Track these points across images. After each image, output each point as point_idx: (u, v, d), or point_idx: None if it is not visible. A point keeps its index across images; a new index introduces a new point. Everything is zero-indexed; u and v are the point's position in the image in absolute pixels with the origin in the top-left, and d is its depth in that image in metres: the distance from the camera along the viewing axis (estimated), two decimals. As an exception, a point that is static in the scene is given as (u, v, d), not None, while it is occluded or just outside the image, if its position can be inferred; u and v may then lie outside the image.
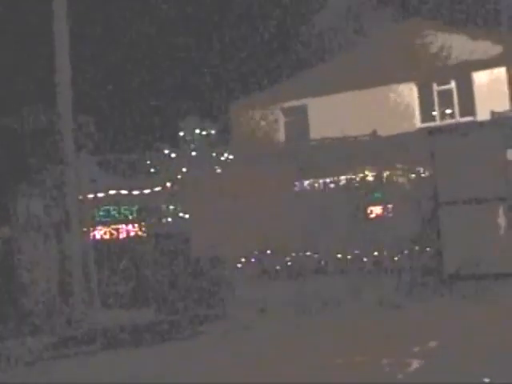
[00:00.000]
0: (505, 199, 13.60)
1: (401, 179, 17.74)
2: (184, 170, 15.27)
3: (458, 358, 7.55)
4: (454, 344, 8.34)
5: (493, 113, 18.63)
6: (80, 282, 12.17)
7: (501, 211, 13.64)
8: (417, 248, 17.18)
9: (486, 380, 5.53)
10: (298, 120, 25.56)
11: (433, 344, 8.53)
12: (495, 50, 21.98)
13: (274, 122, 26.01)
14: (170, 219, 13.31)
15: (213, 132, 16.22)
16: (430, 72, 23.45)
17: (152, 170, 15.34)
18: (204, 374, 7.89)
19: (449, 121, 23.19)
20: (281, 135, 25.97)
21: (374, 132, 14.81)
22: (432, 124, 23.28)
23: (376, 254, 17.47)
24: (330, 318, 11.04)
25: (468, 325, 9.44)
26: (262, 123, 25.57)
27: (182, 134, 15.90)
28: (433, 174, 14.56)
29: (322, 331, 9.92)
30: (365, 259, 17.55)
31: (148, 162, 15.45)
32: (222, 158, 15.35)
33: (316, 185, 17.91)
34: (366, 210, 17.74)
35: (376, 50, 24.19)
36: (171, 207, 13.68)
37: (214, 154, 16.10)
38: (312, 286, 13.65)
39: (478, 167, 13.89)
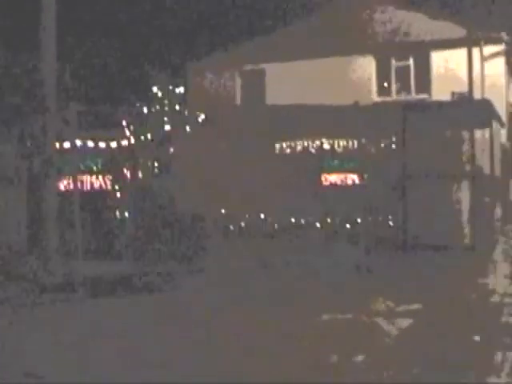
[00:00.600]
0: (470, 176, 14.26)
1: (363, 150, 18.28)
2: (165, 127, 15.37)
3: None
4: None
5: (453, 93, 19.25)
6: (54, 232, 12.14)
7: (465, 187, 14.30)
8: (370, 218, 17.89)
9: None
10: (255, 84, 25.71)
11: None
12: (456, 32, 22.57)
13: (230, 84, 26.10)
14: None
15: (182, 91, 16.21)
16: (389, 47, 23.93)
17: (124, 124, 15.29)
18: (179, 326, 8.11)
19: (404, 97, 23.78)
20: (237, 98, 26.08)
21: (356, 103, 15.17)
22: (388, 99, 23.86)
23: (329, 221, 18.09)
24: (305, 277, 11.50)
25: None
26: (219, 85, 25.64)
27: (154, 90, 15.79)
28: (401, 147, 15.10)
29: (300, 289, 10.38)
30: (317, 225, 18.16)
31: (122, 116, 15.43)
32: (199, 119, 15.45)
33: (277, 151, 18.25)
34: (319, 177, 18.20)
35: (337, 20, 24.50)
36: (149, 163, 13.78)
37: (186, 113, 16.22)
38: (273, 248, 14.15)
39: (446, 144, 14.52)
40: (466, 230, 14.05)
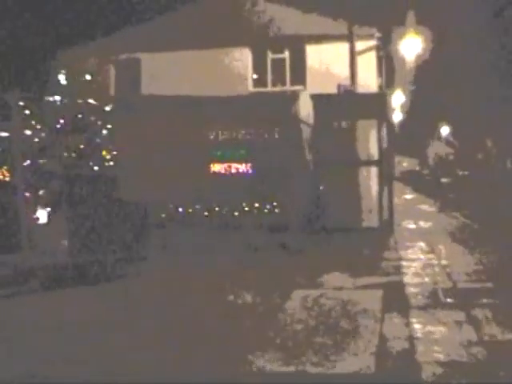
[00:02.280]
0: (377, 162, 15.23)
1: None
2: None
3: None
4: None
5: (339, 86, 20.27)
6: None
7: (373, 173, 15.26)
8: (256, 205, 18.57)
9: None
10: (130, 74, 25.39)
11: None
12: (331, 27, 23.66)
13: (104, 74, 25.55)
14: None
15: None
16: (265, 39, 24.55)
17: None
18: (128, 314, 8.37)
19: (279, 88, 24.55)
20: (111, 88, 25.60)
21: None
22: (264, 89, 24.53)
23: (217, 209, 18.56)
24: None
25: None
26: (92, 74, 25.00)
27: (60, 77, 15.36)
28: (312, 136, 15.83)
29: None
30: (206, 213, 18.57)
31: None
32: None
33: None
34: (208, 167, 18.65)
35: (212, 11, 24.77)
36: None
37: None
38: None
39: (352, 133, 15.41)
40: (374, 214, 15.02)
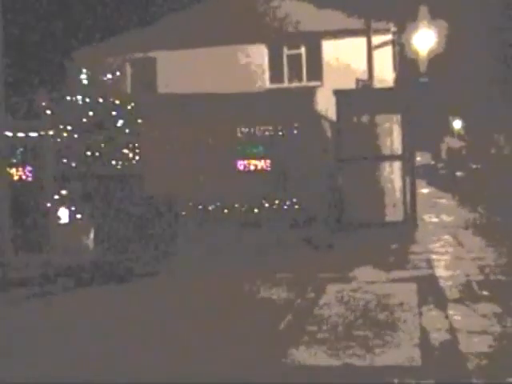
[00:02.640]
0: (400, 157, 15.22)
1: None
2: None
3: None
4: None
5: (357, 80, 20.26)
6: (7, 226, 11.68)
7: (396, 168, 15.25)
8: (276, 201, 18.58)
9: None
10: (146, 73, 25.49)
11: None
12: (346, 22, 23.69)
13: (120, 72, 25.62)
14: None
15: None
16: (281, 36, 24.59)
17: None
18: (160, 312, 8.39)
19: (296, 84, 24.59)
20: (127, 87, 25.68)
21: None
22: (281, 86, 24.57)
23: (236, 205, 18.57)
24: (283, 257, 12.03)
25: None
26: (112, 73, 25.08)
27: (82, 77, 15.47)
28: (334, 132, 15.83)
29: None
30: (225, 210, 18.60)
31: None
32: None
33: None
34: (228, 164, 18.68)
35: (227, 8, 24.85)
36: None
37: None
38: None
39: (376, 128, 15.40)
40: (398, 208, 15.02)
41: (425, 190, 33.72)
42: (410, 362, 6.05)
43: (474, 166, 52.65)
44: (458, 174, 41.39)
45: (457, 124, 61.91)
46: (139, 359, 6.33)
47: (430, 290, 8.91)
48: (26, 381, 5.91)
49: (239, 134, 19.17)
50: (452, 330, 7.06)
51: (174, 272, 10.91)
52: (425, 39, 26.25)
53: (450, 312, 7.79)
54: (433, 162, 51.23)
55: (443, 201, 25.39)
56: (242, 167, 18.90)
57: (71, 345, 6.96)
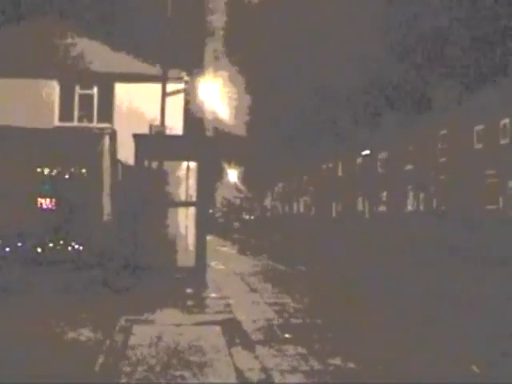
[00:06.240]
0: (194, 203, 15.51)
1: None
2: None
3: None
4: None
5: (151, 126, 20.54)
6: None
7: (190, 214, 15.51)
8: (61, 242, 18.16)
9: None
10: None
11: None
12: (141, 67, 23.98)
13: None
14: None
15: None
16: (73, 74, 24.16)
17: None
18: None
19: (86, 124, 24.22)
20: None
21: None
22: (70, 124, 24.06)
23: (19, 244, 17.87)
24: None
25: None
26: None
27: None
28: (127, 175, 15.79)
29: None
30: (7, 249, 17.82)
31: None
32: None
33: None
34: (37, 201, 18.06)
35: (21, 39, 24.04)
36: None
37: None
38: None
39: (173, 174, 15.62)
40: (191, 253, 15.25)
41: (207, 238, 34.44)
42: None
43: (247, 217, 55.07)
44: (235, 223, 43.02)
45: (232, 176, 64.40)
46: None
47: (235, 333, 9.15)
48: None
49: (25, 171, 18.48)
50: (265, 369, 7.34)
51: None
52: (210, 90, 27.39)
53: (258, 353, 8.08)
54: (211, 211, 52.76)
55: (225, 249, 26.13)
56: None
57: None
